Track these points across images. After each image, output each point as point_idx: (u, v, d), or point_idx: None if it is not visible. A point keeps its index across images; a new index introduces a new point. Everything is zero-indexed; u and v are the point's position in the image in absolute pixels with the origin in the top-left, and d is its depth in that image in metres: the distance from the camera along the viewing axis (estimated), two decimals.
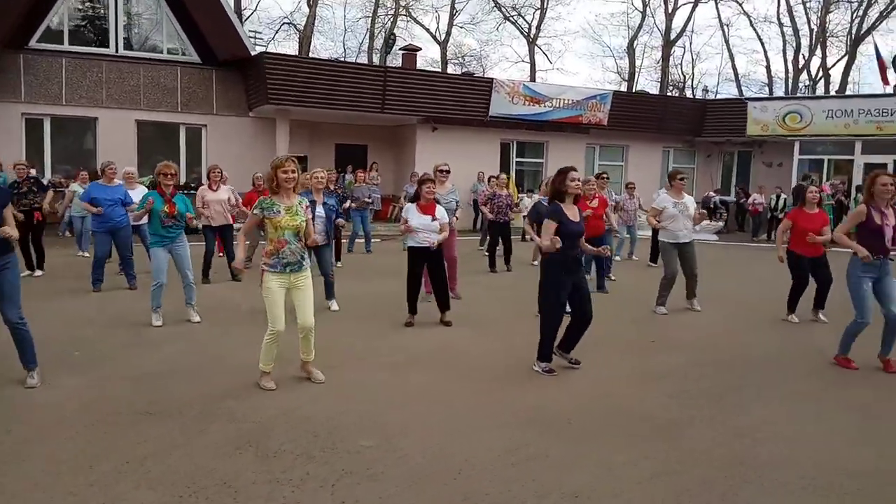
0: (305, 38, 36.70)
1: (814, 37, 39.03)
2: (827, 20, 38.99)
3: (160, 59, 17.07)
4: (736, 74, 41.55)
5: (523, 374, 5.53)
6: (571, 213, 5.50)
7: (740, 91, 40.18)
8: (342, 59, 29.56)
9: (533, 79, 37.71)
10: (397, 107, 17.49)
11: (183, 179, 17.48)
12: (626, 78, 42.47)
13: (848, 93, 32.17)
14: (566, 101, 19.54)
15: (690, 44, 58.79)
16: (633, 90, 38.26)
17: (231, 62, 17.23)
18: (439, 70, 31.60)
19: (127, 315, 7.35)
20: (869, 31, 37.67)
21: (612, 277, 10.51)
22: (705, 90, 40.44)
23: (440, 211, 7.17)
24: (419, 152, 18.51)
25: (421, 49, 22.96)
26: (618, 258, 13.10)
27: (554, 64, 49.35)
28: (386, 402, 4.80)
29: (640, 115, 20.80)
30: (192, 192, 11.82)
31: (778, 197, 18.00)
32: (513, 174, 19.37)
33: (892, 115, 18.54)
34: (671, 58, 41.55)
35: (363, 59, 36.48)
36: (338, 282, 9.80)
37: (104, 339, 6.39)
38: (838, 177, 19.27)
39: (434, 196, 7.18)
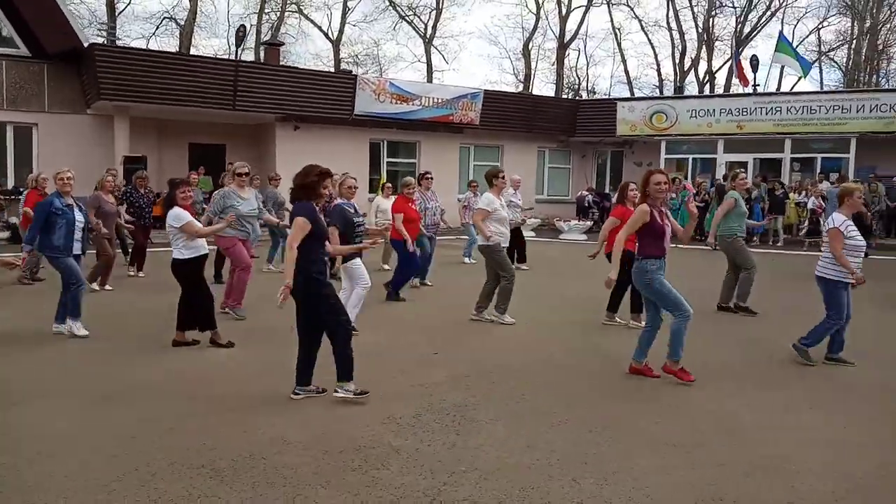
0: (186, 34, 34.96)
1: (700, 41, 40.34)
2: (712, 24, 40.45)
3: None
4: (628, 77, 42.50)
5: (262, 400, 4.79)
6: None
7: (632, 93, 41.04)
8: (185, 53, 27.70)
9: (430, 79, 37.29)
10: (251, 104, 16.51)
11: (11, 183, 15.95)
12: (523, 80, 42.67)
13: (707, 93, 33.20)
14: (436, 100, 19.05)
15: (585, 47, 60.00)
16: (528, 91, 38.39)
17: (65, 55, 15.78)
18: (297, 66, 30.35)
19: None
20: (750, 35, 39.34)
21: (429, 283, 10.00)
22: (592, 91, 41.14)
23: None
24: (280, 152, 17.58)
25: (284, 44, 21.96)
26: (468, 261, 12.62)
27: (451, 64, 49.07)
28: (47, 449, 3.94)
29: (511, 115, 20.56)
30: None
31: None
32: (384, 174, 18.71)
33: (751, 114, 18.98)
34: (566, 60, 42.11)
35: (249, 57, 35.00)
36: (123, 292, 8.88)
37: None
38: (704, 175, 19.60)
39: (192, 200, 6.41)
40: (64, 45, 15.46)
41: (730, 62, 38.29)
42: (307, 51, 58.18)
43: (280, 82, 16.96)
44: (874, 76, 39.95)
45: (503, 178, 7.63)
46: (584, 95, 41.75)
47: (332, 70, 29.41)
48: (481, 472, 3.70)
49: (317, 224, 4.78)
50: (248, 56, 36.77)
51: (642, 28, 43.36)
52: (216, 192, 7.92)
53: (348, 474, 3.68)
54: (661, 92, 41.13)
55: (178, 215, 6.12)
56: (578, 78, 44.72)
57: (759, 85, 21.13)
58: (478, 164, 21.07)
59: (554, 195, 22.46)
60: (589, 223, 19.45)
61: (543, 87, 44.63)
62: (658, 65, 42.31)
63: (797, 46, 42.26)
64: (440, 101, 19.08)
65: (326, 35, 39.59)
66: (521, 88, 40.49)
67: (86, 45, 15.62)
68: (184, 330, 6.22)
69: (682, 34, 40.19)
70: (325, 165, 14.56)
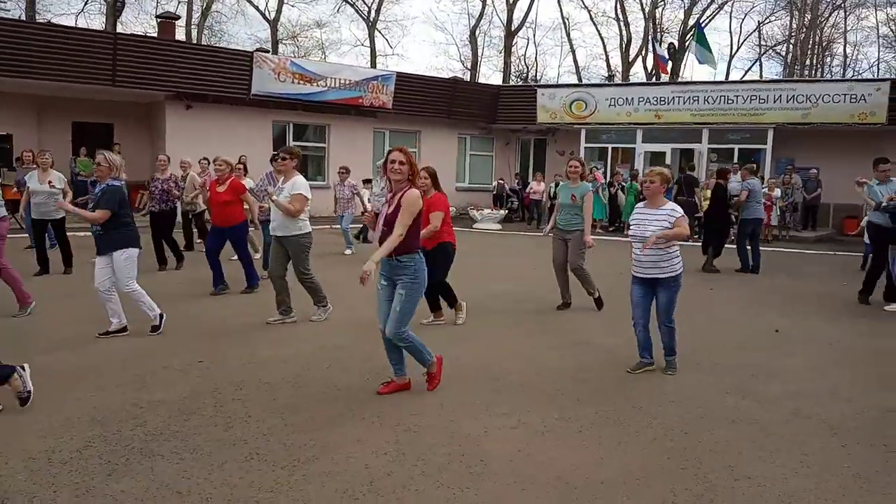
0: (110, 10, 33.23)
1: (647, 32, 39.89)
2: (660, 16, 40.09)
3: None
4: (577, 67, 41.96)
5: None
6: None
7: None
8: (56, 23, 25.82)
9: (373, 64, 36.24)
10: (134, 80, 15.32)
11: None
12: (470, 67, 41.85)
13: (629, 81, 32.74)
14: (343, 81, 18.05)
15: (534, 35, 59.30)
16: (475, 80, 37.50)
17: None
18: (186, 40, 28.81)
19: None
20: (696, 27, 38.94)
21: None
22: (535, 80, 40.49)
23: None
24: (171, 132, 16.44)
25: (179, 18, 20.67)
26: (348, 252, 11.72)
27: (394, 49, 47.84)
28: None
29: (428, 100, 19.66)
30: None
31: (556, 185, 17.37)
32: None
33: (669, 103, 18.39)
34: (514, 48, 41.37)
35: (181, 36, 33.39)
36: None
37: None
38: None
39: None
40: None
41: (649, 49, 38.10)
42: (244, 31, 56.53)
43: (167, 58, 15.78)
44: (818, 70, 40.09)
45: (283, 159, 6.57)
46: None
47: (238, 48, 27.95)
48: None
49: None
50: (179, 35, 35.32)
51: (591, 18, 42.93)
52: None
53: None
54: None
55: None
56: (527, 67, 44.14)
57: (676, 75, 20.55)
58: None
59: (476, 183, 21.68)
60: (503, 212, 18.72)
61: (491, 75, 43.88)
62: (607, 56, 41.93)
63: (743, 41, 42.63)
64: (348, 82, 18.09)
65: (263, 15, 38.24)
66: (467, 76, 39.66)
67: None
68: None
69: (627, 25, 39.78)
70: (224, 147, 13.50)
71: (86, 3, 36.29)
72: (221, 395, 4.60)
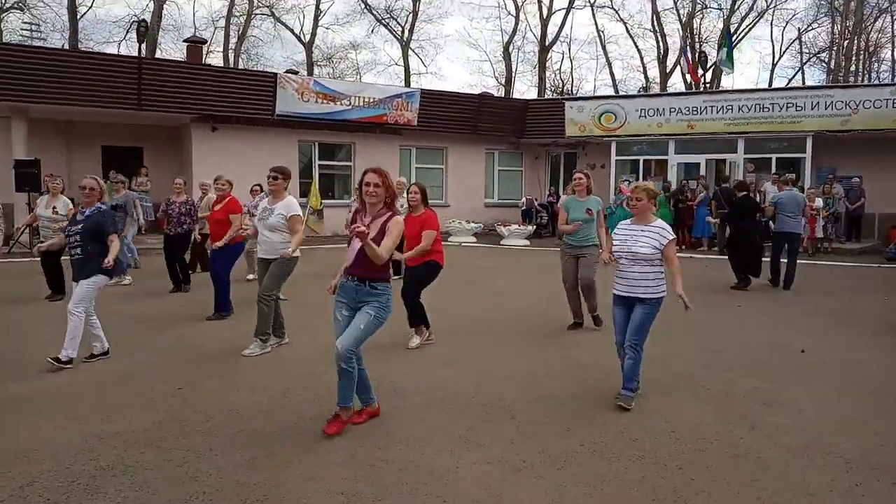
0: (150, 38, 34.12)
1: (684, 41, 39.12)
2: (698, 26, 39.34)
3: None
4: (613, 80, 41.46)
5: None
6: None
7: None
8: (84, 49, 26.52)
9: (408, 83, 36.37)
10: (159, 103, 15.47)
11: None
12: (504, 83, 41.70)
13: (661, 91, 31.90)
14: (367, 100, 17.97)
15: (569, 49, 58.95)
16: (509, 95, 37.29)
17: None
18: (213, 63, 29.16)
19: None
20: (736, 37, 38.03)
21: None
22: (570, 94, 40.01)
23: None
24: (197, 154, 16.56)
25: (206, 42, 20.95)
26: None
27: (428, 67, 47.90)
28: None
29: (452, 115, 19.44)
30: None
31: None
32: (316, 177, 17.65)
33: (701, 112, 17.79)
34: (549, 63, 41.06)
35: (215, 61, 34.04)
36: None
37: None
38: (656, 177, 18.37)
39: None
40: None
41: (680, 58, 37.15)
42: (280, 54, 57.50)
43: (191, 81, 15.94)
44: (866, 76, 38.71)
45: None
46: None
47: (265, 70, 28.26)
48: None
49: None
50: (217, 60, 36.05)
51: (627, 31, 42.28)
52: None
53: None
54: None
55: None
56: (562, 81, 43.74)
57: (709, 83, 19.94)
58: (419, 167, 19.99)
59: (505, 199, 21.31)
60: (531, 228, 18.30)
61: (526, 90, 43.57)
62: (644, 68, 41.29)
63: (784, 50, 41.64)
64: (372, 100, 18.01)
65: (299, 38, 38.77)
66: (502, 91, 39.43)
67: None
68: None
69: (663, 36, 39.12)
70: (250, 168, 13.39)
71: (127, 32, 37.33)
72: (188, 425, 4.38)
